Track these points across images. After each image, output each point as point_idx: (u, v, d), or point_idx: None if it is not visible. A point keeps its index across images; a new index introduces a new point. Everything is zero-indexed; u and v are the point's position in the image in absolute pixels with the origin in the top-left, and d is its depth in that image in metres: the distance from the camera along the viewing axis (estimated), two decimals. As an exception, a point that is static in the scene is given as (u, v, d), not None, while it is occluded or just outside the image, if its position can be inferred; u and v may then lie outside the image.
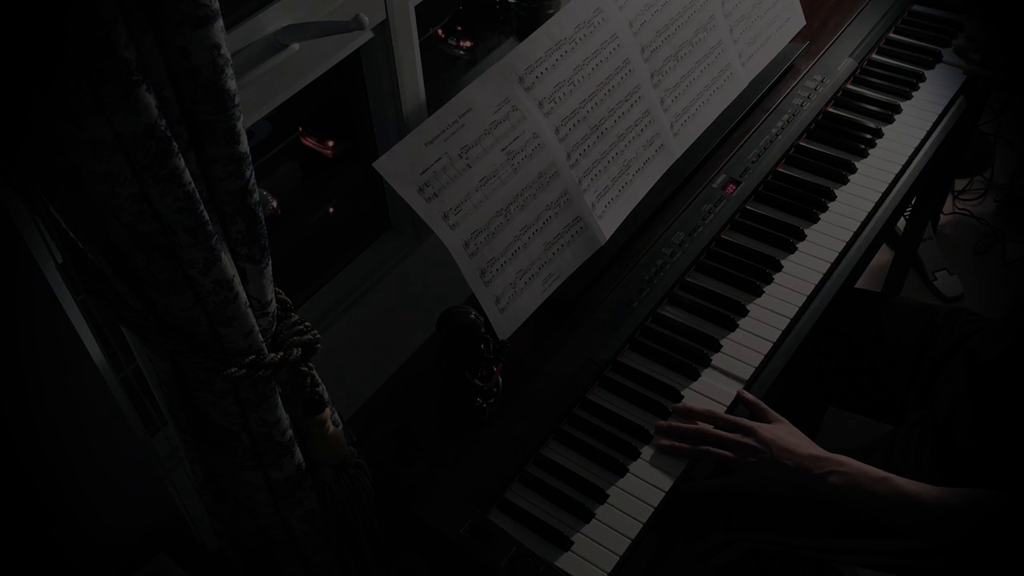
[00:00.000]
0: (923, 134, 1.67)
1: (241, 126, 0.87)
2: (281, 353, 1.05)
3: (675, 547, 1.45)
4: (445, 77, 1.78)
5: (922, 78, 1.77)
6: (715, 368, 1.37)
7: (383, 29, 1.45)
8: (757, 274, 1.47)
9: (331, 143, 1.65)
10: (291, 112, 1.57)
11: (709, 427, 1.28)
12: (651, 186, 1.52)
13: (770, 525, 1.44)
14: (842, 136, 1.68)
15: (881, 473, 1.19)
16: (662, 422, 1.30)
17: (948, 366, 1.47)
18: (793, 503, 1.39)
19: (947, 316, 1.59)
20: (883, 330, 1.62)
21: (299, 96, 1.35)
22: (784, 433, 1.26)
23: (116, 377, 1.28)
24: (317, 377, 1.11)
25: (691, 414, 1.30)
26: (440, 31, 1.81)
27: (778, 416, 1.29)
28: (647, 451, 1.28)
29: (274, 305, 1.05)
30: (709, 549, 1.48)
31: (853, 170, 1.62)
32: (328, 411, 1.15)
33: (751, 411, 1.32)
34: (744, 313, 1.43)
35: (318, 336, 1.08)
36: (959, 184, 2.80)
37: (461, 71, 1.81)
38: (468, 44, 1.81)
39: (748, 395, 1.33)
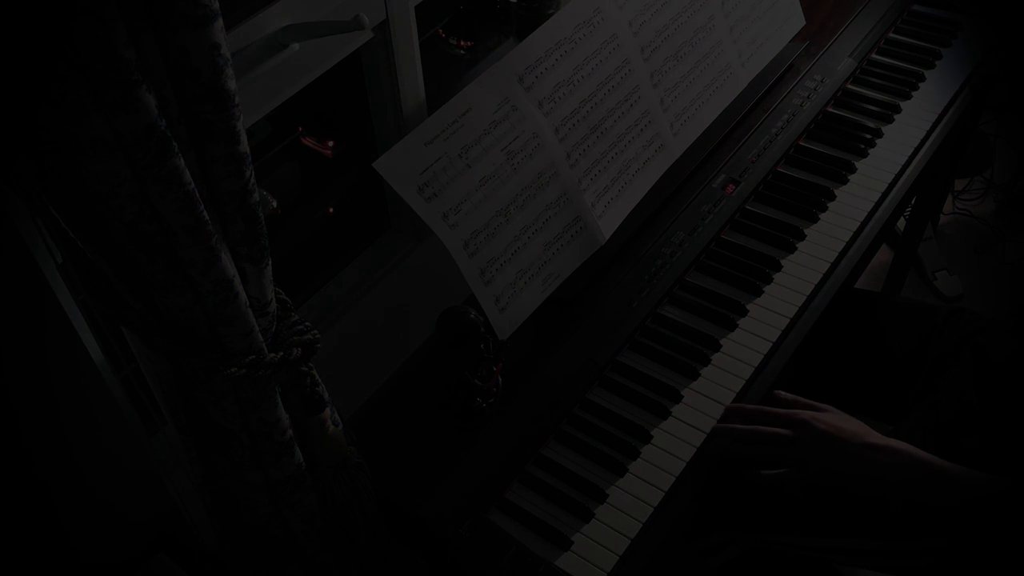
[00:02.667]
0: (923, 134, 1.67)
1: (241, 126, 0.87)
2: (281, 353, 1.05)
3: (676, 545, 1.45)
4: (445, 77, 1.78)
5: (922, 78, 1.77)
6: (715, 367, 1.37)
7: (383, 29, 1.45)
8: (757, 274, 1.47)
9: (331, 143, 1.65)
10: (291, 112, 1.57)
11: (764, 427, 1.26)
12: (651, 186, 1.52)
13: (771, 524, 1.44)
14: (842, 136, 1.68)
15: (938, 462, 1.16)
16: (721, 424, 1.29)
17: (950, 366, 1.47)
18: (796, 501, 1.39)
19: (948, 316, 1.59)
20: (884, 330, 1.62)
21: (299, 96, 1.35)
22: (837, 420, 1.23)
23: (116, 377, 1.28)
24: (317, 377, 1.11)
25: (744, 413, 1.29)
26: (441, 31, 1.81)
27: (824, 405, 1.27)
28: (647, 451, 1.28)
29: (274, 305, 1.05)
30: (710, 548, 1.49)
31: (853, 170, 1.62)
32: (328, 411, 1.15)
33: (789, 407, 1.29)
34: (744, 313, 1.43)
35: (318, 336, 1.08)
36: (959, 184, 2.80)
37: (461, 71, 1.81)
38: (469, 44, 1.82)
39: (786, 394, 1.31)
